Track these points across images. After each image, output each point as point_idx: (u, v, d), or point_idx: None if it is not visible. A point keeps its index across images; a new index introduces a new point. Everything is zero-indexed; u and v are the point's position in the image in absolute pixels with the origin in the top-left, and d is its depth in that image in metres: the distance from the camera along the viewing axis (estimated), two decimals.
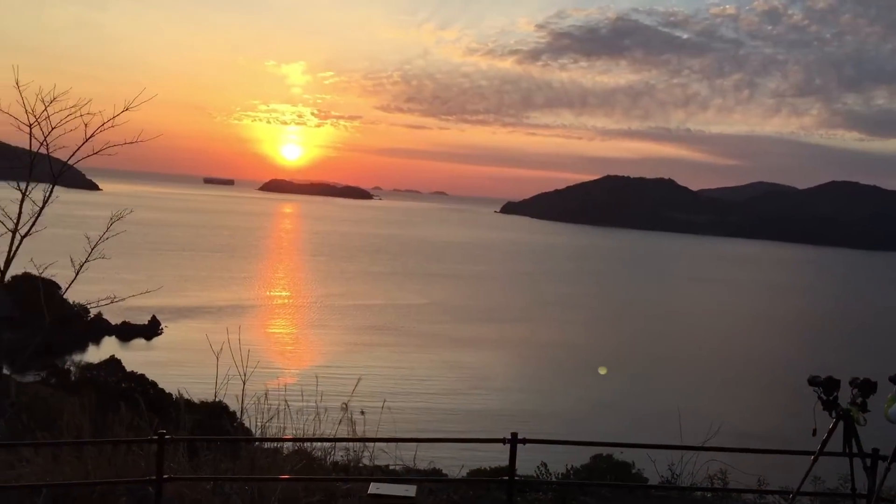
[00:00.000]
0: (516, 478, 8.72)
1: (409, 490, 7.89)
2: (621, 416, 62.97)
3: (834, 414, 7.88)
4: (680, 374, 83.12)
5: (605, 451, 16.75)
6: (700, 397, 67.09)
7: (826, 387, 7.93)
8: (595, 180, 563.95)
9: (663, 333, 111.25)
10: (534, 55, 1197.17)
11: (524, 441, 8.31)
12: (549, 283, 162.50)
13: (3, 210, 9.45)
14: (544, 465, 12.34)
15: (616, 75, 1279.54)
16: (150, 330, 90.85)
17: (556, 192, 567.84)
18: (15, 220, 9.37)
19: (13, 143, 10.87)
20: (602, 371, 77.09)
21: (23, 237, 9.42)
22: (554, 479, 12.25)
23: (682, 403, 35.20)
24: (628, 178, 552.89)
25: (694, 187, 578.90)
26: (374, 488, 7.87)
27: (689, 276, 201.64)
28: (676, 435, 10.68)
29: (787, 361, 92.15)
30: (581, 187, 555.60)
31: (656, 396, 68.69)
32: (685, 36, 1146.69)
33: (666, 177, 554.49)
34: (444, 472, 13.08)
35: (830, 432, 7.89)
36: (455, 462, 13.14)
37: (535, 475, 12.10)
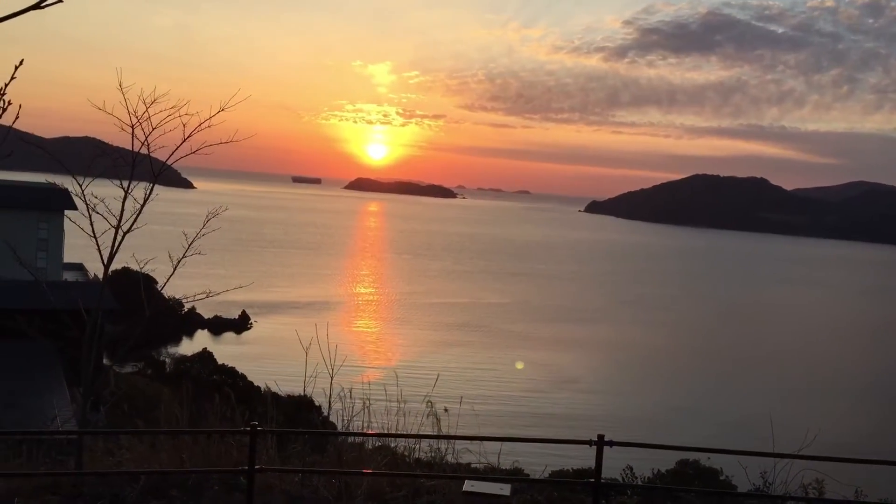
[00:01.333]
0: (602, 480, 8.60)
1: (504, 489, 7.86)
2: (707, 420, 61.45)
3: None
4: (770, 378, 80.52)
5: (691, 455, 16.38)
6: (792, 403, 64.88)
7: None
8: (683, 179, 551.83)
9: (752, 337, 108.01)
10: (620, 52, 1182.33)
11: (611, 443, 8.18)
12: (635, 283, 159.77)
13: (107, 207, 9.84)
14: (630, 468, 12.16)
15: (706, 72, 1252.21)
16: (241, 324, 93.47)
17: (643, 191, 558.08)
18: (118, 217, 9.74)
19: (115, 143, 11.30)
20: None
21: (125, 233, 9.77)
22: (640, 482, 12.05)
23: (773, 409, 34.13)
24: (718, 176, 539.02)
25: (788, 187, 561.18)
26: (468, 485, 7.85)
27: (782, 278, 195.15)
28: (767, 441, 10.35)
29: (884, 368, 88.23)
30: (668, 186, 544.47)
31: (744, 401, 66.75)
32: (780, 30, 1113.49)
33: (758, 176, 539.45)
34: (525, 471, 13.03)
35: None
36: (537, 462, 13.06)
37: (620, 478, 11.92)
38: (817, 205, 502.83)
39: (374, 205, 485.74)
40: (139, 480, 9.13)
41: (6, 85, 4.24)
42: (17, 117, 4.42)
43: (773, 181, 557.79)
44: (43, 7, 3.97)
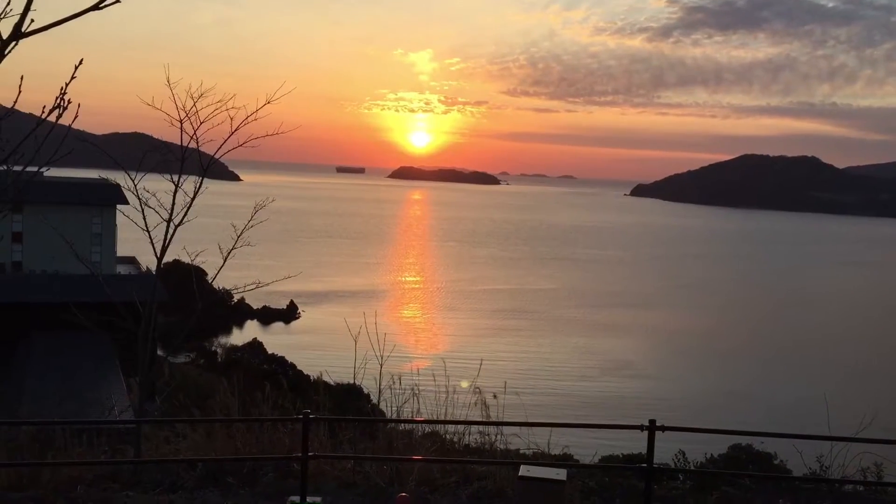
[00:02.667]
0: (654, 465, 8.56)
1: (560, 474, 7.87)
2: (760, 404, 60.52)
3: None
4: (824, 361, 78.91)
5: (745, 440, 16.16)
6: (848, 386, 63.49)
7: None
8: (731, 160, 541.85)
9: (805, 319, 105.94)
10: (665, 32, 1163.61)
11: (662, 428, 8.13)
12: (683, 267, 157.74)
13: (158, 201, 10.03)
14: (682, 453, 12.03)
15: (754, 49, 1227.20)
16: (289, 314, 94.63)
17: (689, 173, 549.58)
18: (169, 211, 9.92)
19: (163, 138, 11.52)
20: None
21: (176, 227, 9.95)
22: (692, 467, 11.94)
23: (828, 392, 33.48)
24: (767, 156, 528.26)
25: (840, 165, 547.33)
26: (524, 470, 7.88)
27: (835, 259, 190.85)
28: (823, 425, 10.18)
29: None
30: (716, 168, 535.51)
31: (798, 384, 65.58)
32: (830, 4, 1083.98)
33: (809, 154, 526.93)
34: (575, 457, 12.99)
35: None
36: (586, 448, 13.01)
37: (672, 463, 11.82)
38: (871, 183, 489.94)
39: (417, 193, 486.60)
40: (196, 468, 9.35)
41: (66, 85, 4.34)
42: (76, 116, 4.52)
43: (825, 159, 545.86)
44: (101, 8, 4.06)
